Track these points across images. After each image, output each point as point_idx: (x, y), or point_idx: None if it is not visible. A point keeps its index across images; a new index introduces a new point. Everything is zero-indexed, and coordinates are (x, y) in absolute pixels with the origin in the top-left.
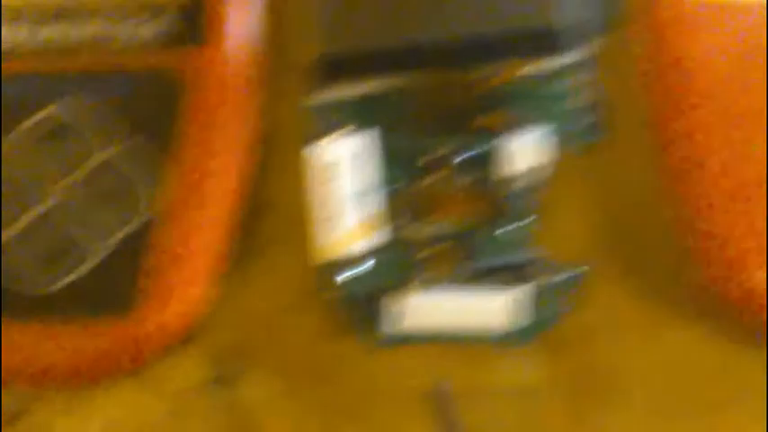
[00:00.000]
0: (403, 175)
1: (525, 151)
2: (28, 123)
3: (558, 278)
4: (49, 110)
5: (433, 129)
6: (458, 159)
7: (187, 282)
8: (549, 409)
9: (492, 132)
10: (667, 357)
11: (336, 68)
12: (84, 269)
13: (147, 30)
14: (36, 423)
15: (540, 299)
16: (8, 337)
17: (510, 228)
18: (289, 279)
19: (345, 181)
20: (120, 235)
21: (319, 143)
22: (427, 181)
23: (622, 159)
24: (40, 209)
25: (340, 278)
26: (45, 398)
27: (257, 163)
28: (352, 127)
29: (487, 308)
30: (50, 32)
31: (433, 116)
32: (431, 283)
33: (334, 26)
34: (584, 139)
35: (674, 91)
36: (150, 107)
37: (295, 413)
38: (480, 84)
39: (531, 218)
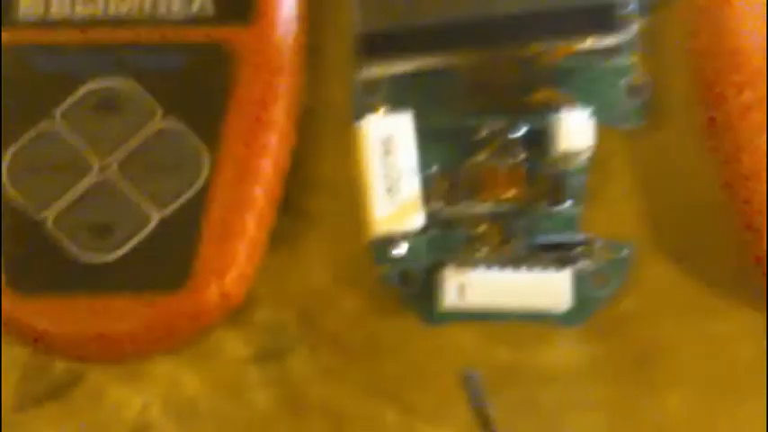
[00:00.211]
0: (455, 153)
1: (576, 131)
2: (78, 94)
3: (606, 260)
4: (100, 81)
5: (483, 106)
6: (509, 137)
7: (241, 255)
8: (594, 392)
9: (543, 111)
10: (714, 341)
11: (385, 44)
12: (139, 239)
13: (196, 4)
14: (89, 391)
15: (588, 280)
16: (63, 307)
17: (560, 208)
18: (339, 254)
19: (399, 156)
20: (174, 206)
21: (372, 117)
22: (478, 158)
23: (670, 141)
24: (93, 178)
25: (393, 253)
26: (98, 367)
27: (305, 139)
28: (402, 103)
29: (537, 288)
30: (101, 4)
31: (484, 94)
32: (482, 260)
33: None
34: (632, 121)
35: (724, 71)
36: (201, 81)
37: (345, 389)
38: (532, 61)
39: (581, 198)
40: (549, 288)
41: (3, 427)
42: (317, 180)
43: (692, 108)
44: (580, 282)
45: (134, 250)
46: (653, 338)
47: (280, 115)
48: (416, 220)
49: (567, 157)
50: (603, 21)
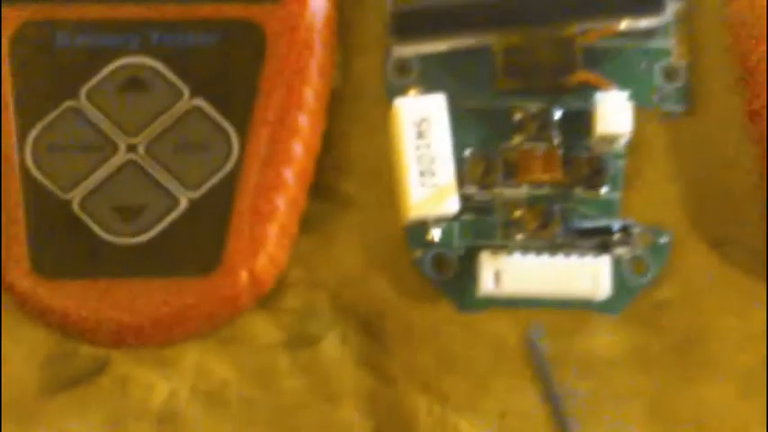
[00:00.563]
0: (490, 135)
1: (614, 114)
2: (104, 73)
3: (644, 246)
4: (126, 60)
5: (519, 88)
6: (545, 120)
7: (271, 239)
8: (632, 381)
9: (581, 93)
10: (754, 330)
11: (418, 23)
12: (168, 222)
13: None
14: (115, 377)
15: (627, 267)
16: (89, 291)
17: (598, 192)
18: (372, 239)
19: (433, 138)
20: (204, 188)
21: (405, 99)
22: (514, 141)
23: (710, 126)
24: (120, 159)
25: (428, 238)
26: (124, 353)
27: (337, 120)
28: (436, 83)
29: (575, 275)
30: None
31: (520, 74)
32: (519, 246)
33: None
34: (671, 104)
35: (765, 54)
36: (230, 60)
37: (377, 376)
38: (569, 42)
39: (620, 183)
40: (587, 275)
41: (26, 414)
42: (350, 163)
43: (733, 93)
44: (618, 268)
45: (163, 233)
46: (692, 327)
47: (310, 95)
48: (451, 204)
49: (606, 140)
50: (642, 1)
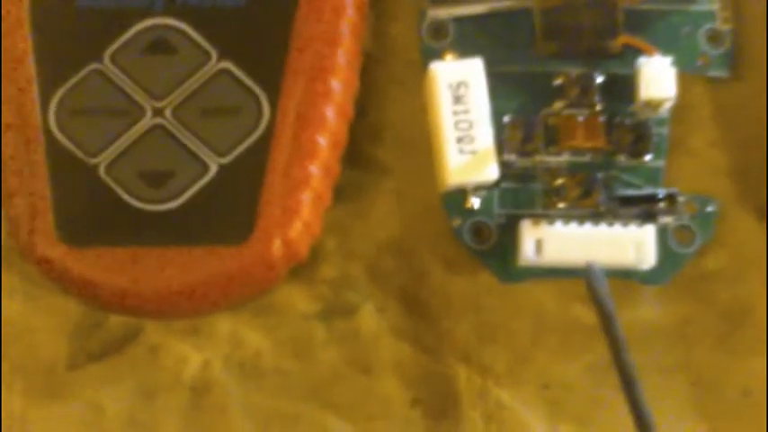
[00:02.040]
0: (529, 101)
1: (658, 79)
2: (128, 35)
3: (690, 216)
4: (151, 21)
5: (560, 52)
6: (589, 84)
7: (305, 207)
8: (676, 354)
9: (623, 57)
10: None
11: None
12: (197, 188)
13: None
14: (147, 347)
15: (672, 237)
16: (118, 259)
17: (643, 160)
18: (409, 207)
19: (471, 104)
20: (234, 153)
21: (441, 63)
22: (555, 107)
23: (756, 91)
24: (147, 124)
25: (469, 205)
26: (156, 322)
27: (370, 85)
28: (472, 47)
29: (619, 244)
30: None
31: (561, 38)
32: (560, 215)
33: None
34: (716, 69)
35: None
36: (259, 21)
37: (415, 348)
38: (612, 4)
39: (664, 150)
40: (631, 244)
41: (56, 386)
42: (386, 129)
43: None
44: (664, 238)
45: (192, 200)
46: (739, 298)
47: (343, 58)
48: (490, 171)
49: (649, 106)
50: None
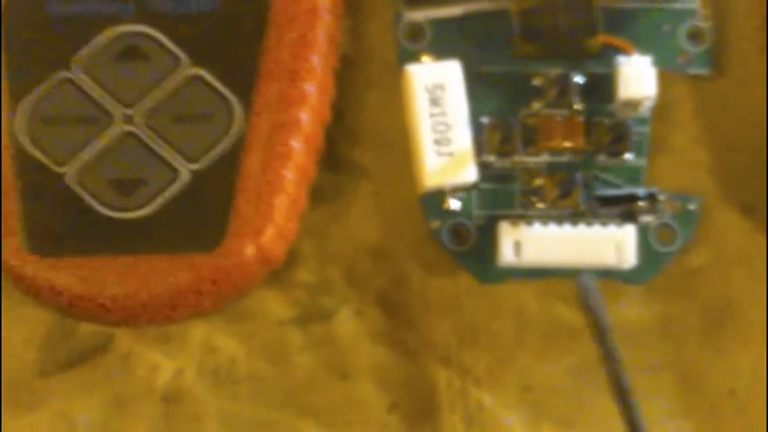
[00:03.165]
0: (508, 102)
1: (637, 78)
2: (97, 41)
3: (672, 214)
4: (120, 27)
5: (538, 52)
6: (565, 85)
7: (279, 212)
8: (660, 352)
9: (602, 57)
10: None
11: None
12: (168, 196)
13: None
14: (118, 356)
15: (654, 236)
16: (89, 269)
17: (623, 159)
18: (387, 209)
19: (448, 105)
20: (206, 160)
21: (423, 63)
22: (533, 108)
23: (738, 88)
24: (116, 131)
25: (447, 207)
26: (128, 330)
27: (347, 88)
28: (450, 49)
29: (599, 244)
30: None
31: (539, 38)
32: (540, 215)
33: None
34: (696, 67)
35: None
36: (231, 26)
37: (394, 352)
38: (590, 3)
39: (644, 149)
40: (611, 244)
41: (26, 396)
42: (363, 132)
43: (761, 53)
44: (645, 237)
45: (164, 208)
46: (723, 296)
47: (318, 62)
48: (469, 173)
49: (629, 105)
50: None
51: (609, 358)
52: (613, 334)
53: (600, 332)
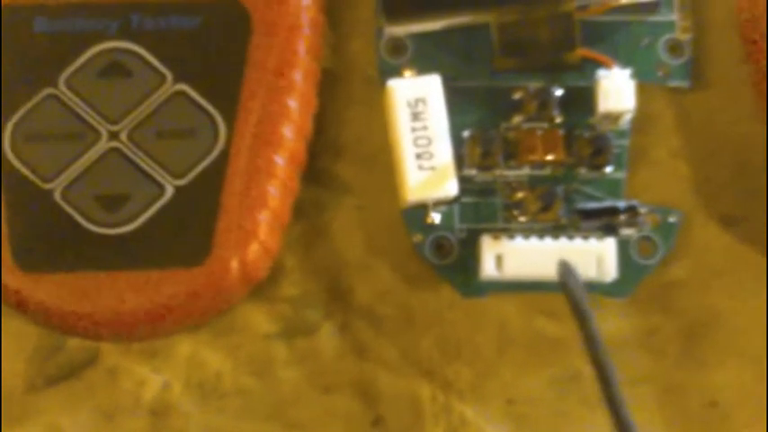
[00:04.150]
0: (488, 116)
1: (617, 91)
2: (83, 59)
3: (652, 227)
4: (106, 44)
5: (518, 66)
6: (547, 98)
7: (263, 227)
8: (641, 365)
9: (584, 70)
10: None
11: (411, 0)
12: (153, 211)
13: None
14: (105, 370)
15: (634, 249)
16: (75, 284)
17: (603, 172)
18: (370, 224)
19: (429, 120)
20: (190, 175)
21: (404, 78)
22: (514, 121)
23: (718, 101)
24: (102, 147)
25: (429, 221)
26: (115, 345)
27: (329, 103)
28: (431, 63)
29: (580, 258)
30: None
31: (519, 52)
32: (521, 229)
33: None
34: (676, 80)
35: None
36: (214, 42)
37: (377, 365)
38: (569, 17)
39: (625, 162)
40: (592, 258)
41: (14, 411)
42: (345, 146)
43: (741, 66)
44: (625, 250)
45: (148, 223)
46: (703, 309)
47: (300, 77)
48: (450, 186)
49: (609, 118)
50: None
51: (590, 341)
52: (593, 315)
53: (580, 314)
